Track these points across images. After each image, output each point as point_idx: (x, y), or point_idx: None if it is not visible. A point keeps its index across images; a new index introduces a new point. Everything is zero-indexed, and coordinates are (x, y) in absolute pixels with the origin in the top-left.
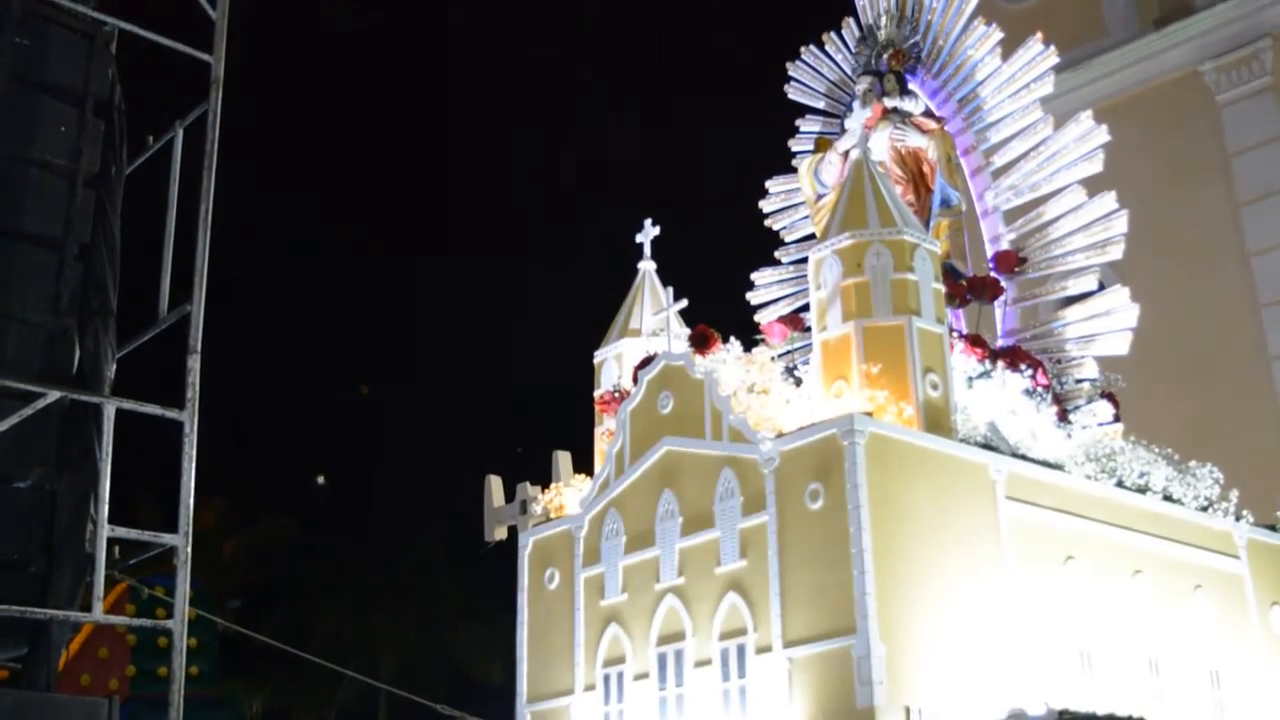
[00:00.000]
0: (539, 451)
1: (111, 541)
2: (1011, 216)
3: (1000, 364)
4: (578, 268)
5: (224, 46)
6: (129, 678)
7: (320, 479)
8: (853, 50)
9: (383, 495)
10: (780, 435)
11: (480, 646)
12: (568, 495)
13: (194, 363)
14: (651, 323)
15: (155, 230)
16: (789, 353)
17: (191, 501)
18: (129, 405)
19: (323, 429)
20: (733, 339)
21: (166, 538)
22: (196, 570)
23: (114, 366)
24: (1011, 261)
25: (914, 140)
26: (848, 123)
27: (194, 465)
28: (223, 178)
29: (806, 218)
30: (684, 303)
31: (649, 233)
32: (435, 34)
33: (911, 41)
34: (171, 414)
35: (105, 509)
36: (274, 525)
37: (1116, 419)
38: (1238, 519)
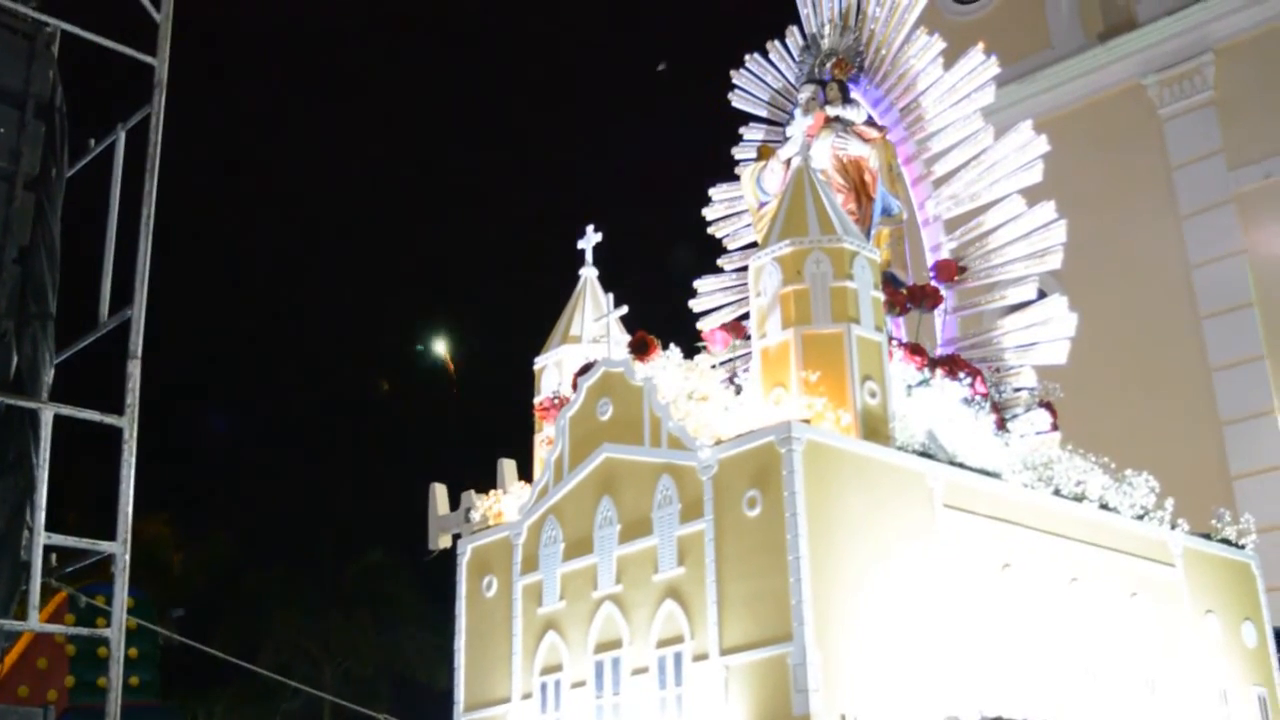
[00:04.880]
0: (484, 458)
1: (48, 549)
2: (952, 225)
3: (939, 372)
4: (519, 274)
5: (168, 49)
6: (68, 688)
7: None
8: (796, 59)
9: (330, 503)
10: (719, 442)
11: (426, 653)
12: (507, 502)
13: (134, 368)
14: (592, 329)
15: (97, 233)
16: (730, 360)
17: (130, 509)
18: (67, 411)
19: (269, 438)
20: (673, 345)
21: (105, 545)
22: (141, 582)
23: (53, 371)
24: (951, 270)
25: (856, 149)
26: (790, 130)
27: (133, 472)
28: (166, 181)
29: (749, 225)
30: (624, 309)
31: (590, 239)
32: (384, 30)
33: (854, 50)
34: (111, 420)
35: (42, 516)
36: (220, 536)
37: (1054, 428)
38: (1173, 527)
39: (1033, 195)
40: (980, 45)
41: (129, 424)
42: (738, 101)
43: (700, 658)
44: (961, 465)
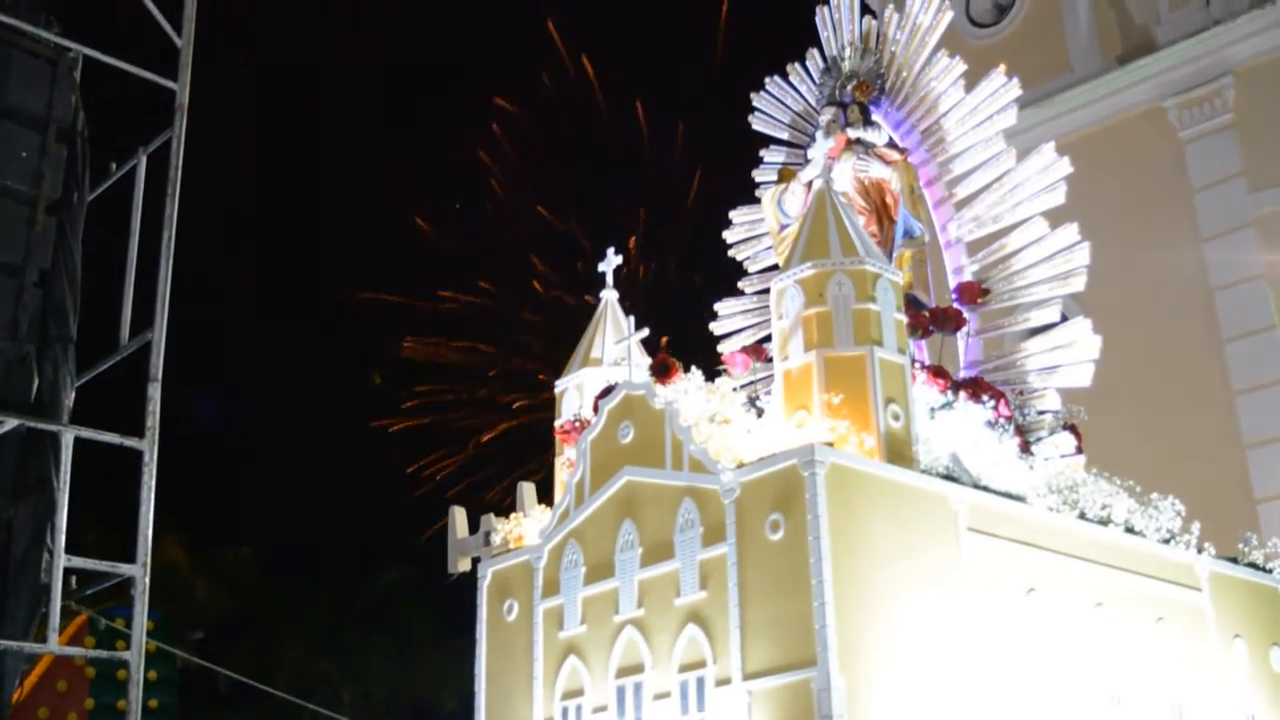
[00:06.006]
0: (504, 481)
1: (68, 572)
2: (974, 248)
3: (962, 395)
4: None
5: (189, 73)
6: (88, 711)
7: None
8: (817, 81)
9: (346, 525)
10: (741, 465)
11: (444, 676)
12: (527, 526)
13: (155, 391)
14: (613, 352)
15: (118, 257)
16: (752, 383)
17: (150, 531)
18: (88, 433)
19: (288, 461)
20: (694, 368)
21: (124, 568)
22: (160, 604)
23: (73, 394)
24: (974, 293)
25: (877, 171)
26: (811, 153)
27: (153, 495)
28: (187, 204)
29: (770, 248)
30: (645, 332)
31: (611, 261)
32: (393, 59)
33: (875, 73)
34: (131, 443)
35: (62, 538)
36: (238, 557)
37: (1079, 451)
38: (1199, 551)
39: (1054, 218)
40: (1002, 67)
41: (149, 447)
42: (758, 124)
43: (723, 683)
44: (986, 488)
